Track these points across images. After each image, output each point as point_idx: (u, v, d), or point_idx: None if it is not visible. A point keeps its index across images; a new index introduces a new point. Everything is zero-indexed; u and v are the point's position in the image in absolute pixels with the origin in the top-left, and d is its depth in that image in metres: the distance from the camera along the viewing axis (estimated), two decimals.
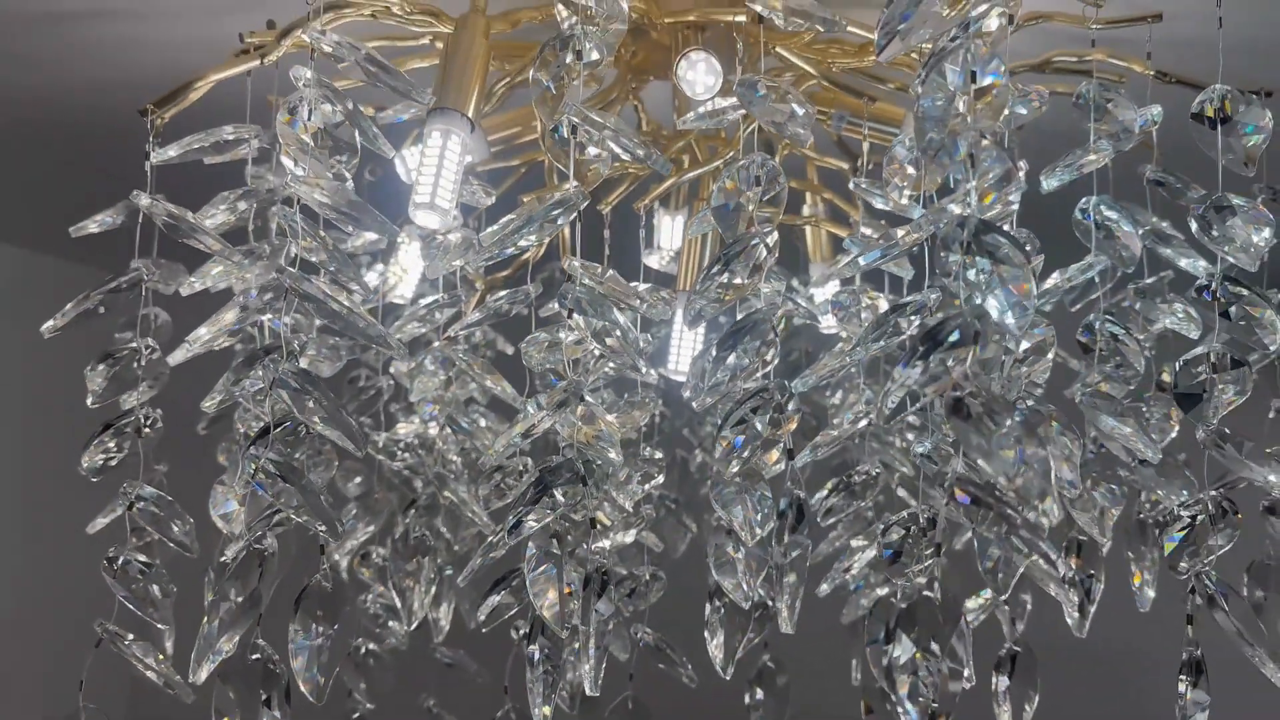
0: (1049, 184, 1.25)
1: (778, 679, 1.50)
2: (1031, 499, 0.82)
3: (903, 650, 0.86)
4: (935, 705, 0.91)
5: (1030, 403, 0.90)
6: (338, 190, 1.01)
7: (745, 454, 0.98)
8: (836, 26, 1.10)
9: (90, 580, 1.31)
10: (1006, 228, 0.92)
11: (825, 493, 1.35)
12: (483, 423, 1.60)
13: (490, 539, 1.11)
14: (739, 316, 1.04)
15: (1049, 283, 1.21)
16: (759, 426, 0.97)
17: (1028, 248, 1.08)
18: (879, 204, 1.23)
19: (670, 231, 1.80)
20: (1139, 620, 1.37)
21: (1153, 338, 1.27)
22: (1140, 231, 1.27)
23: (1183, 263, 1.24)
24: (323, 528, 1.04)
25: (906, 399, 0.83)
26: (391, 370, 1.67)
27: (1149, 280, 1.31)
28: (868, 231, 1.36)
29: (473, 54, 1.26)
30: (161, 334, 1.35)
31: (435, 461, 1.48)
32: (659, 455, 1.45)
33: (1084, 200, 1.27)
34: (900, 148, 1.10)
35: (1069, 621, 1.30)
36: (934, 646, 0.86)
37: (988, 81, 0.85)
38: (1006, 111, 0.90)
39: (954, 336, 0.80)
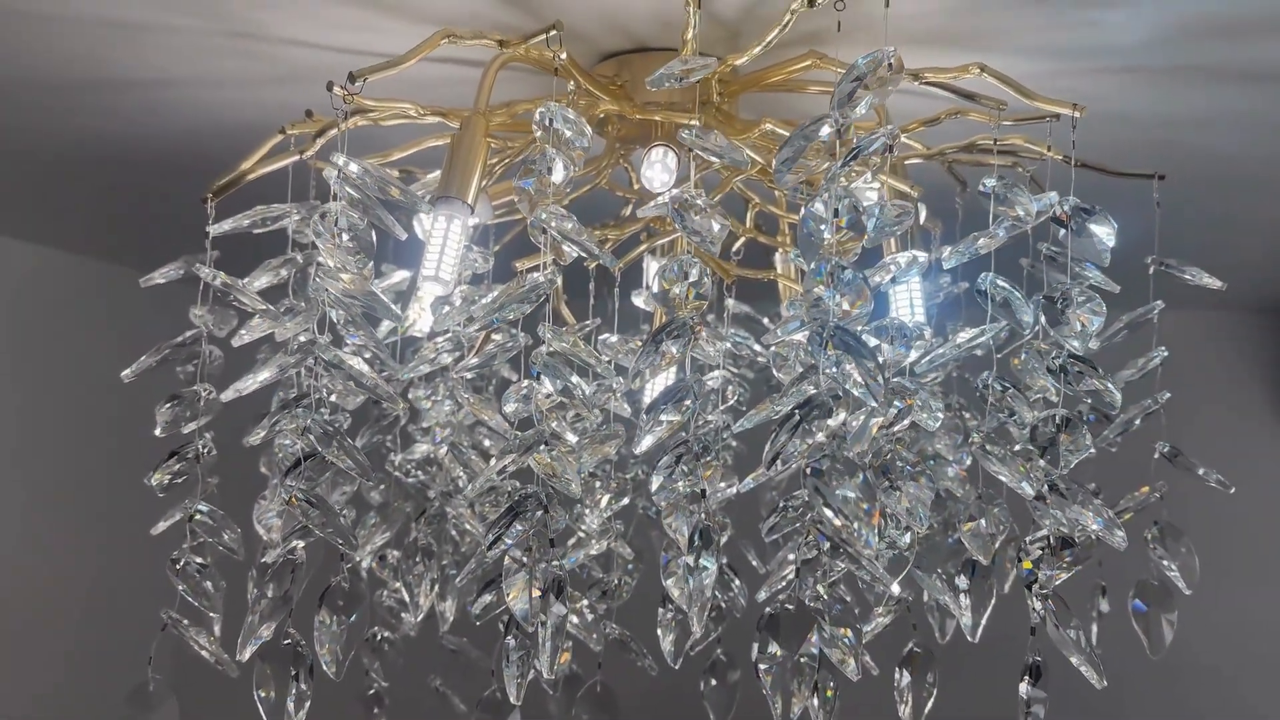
0: (948, 263, 1.50)
1: (729, 673, 1.76)
2: (875, 536, 1.08)
3: (766, 652, 1.13)
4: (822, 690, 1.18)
5: (889, 458, 1.16)
6: (357, 281, 1.29)
7: (667, 497, 1.25)
8: (737, 165, 1.35)
9: (137, 573, 1.60)
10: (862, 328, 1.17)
11: (770, 516, 1.62)
12: (486, 443, 1.88)
13: (482, 547, 1.39)
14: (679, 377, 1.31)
15: (944, 349, 1.47)
16: (679, 474, 1.25)
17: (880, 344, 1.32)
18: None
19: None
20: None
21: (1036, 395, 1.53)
22: (1032, 302, 1.52)
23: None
24: (341, 542, 1.32)
25: (780, 456, 1.09)
26: (410, 397, 1.95)
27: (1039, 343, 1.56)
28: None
29: (474, 149, 1.53)
30: (215, 369, 1.64)
31: (443, 479, 1.76)
32: (628, 476, 1.72)
33: (980, 277, 1.52)
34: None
35: (964, 627, 1.57)
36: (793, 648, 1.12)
37: (847, 218, 1.11)
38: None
39: (815, 411, 1.07)
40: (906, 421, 1.24)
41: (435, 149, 1.72)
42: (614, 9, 1.64)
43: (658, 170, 1.48)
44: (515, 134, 1.72)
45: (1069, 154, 1.61)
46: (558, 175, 1.30)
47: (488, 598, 1.56)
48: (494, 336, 1.55)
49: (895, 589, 1.19)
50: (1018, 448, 1.47)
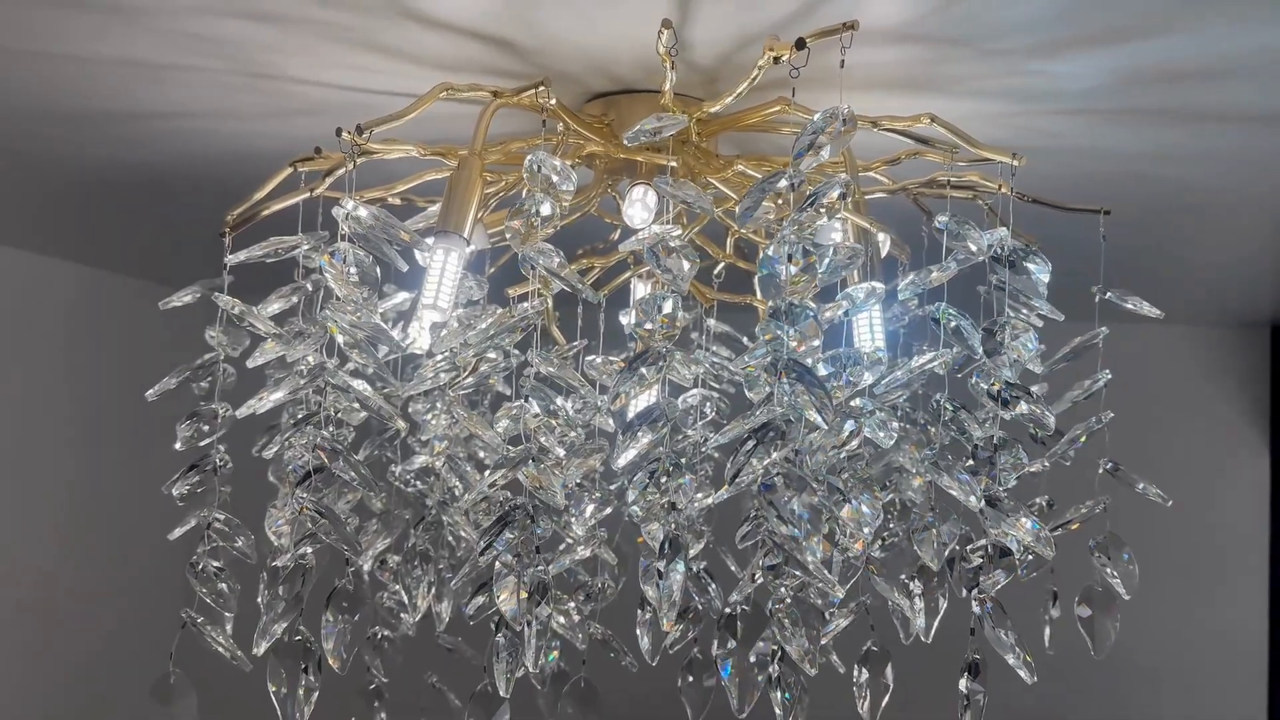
0: (903, 294, 1.64)
1: (704, 672, 1.89)
2: (819, 546, 1.22)
3: (725, 648, 1.27)
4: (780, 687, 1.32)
5: (841, 474, 1.30)
6: (364, 313, 1.43)
7: (642, 507, 1.39)
8: (706, 212, 1.49)
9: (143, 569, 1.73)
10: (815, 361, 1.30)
11: (743, 524, 1.76)
12: (481, 454, 2.01)
13: (475, 553, 1.53)
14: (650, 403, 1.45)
15: (900, 372, 1.60)
16: (651, 488, 1.38)
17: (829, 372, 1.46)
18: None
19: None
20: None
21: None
22: (980, 329, 1.66)
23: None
24: (346, 548, 1.45)
25: (739, 473, 1.23)
26: (410, 411, 2.08)
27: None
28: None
29: (470, 187, 1.66)
30: (229, 385, 1.78)
31: (440, 489, 1.90)
32: (612, 487, 1.85)
33: (934, 306, 1.66)
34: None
35: (917, 629, 1.70)
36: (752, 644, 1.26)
37: (802, 264, 1.25)
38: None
39: (771, 434, 1.20)
40: (857, 441, 1.38)
41: (435, 181, 1.87)
42: (601, 55, 1.78)
43: (638, 209, 1.62)
44: (511, 167, 1.86)
45: (1022, 191, 1.75)
46: (544, 215, 1.43)
47: (480, 599, 1.70)
48: (489, 355, 1.68)
49: (839, 593, 1.32)
50: (970, 463, 1.61)
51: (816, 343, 1.28)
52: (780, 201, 1.30)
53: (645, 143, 1.80)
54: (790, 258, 1.24)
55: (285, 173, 1.84)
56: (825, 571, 1.24)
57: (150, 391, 1.64)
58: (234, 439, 1.72)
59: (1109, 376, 1.81)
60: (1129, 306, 1.80)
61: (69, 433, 3.40)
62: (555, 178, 1.45)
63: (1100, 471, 1.84)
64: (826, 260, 1.28)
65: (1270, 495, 3.84)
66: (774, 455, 1.21)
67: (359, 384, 1.47)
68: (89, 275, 3.46)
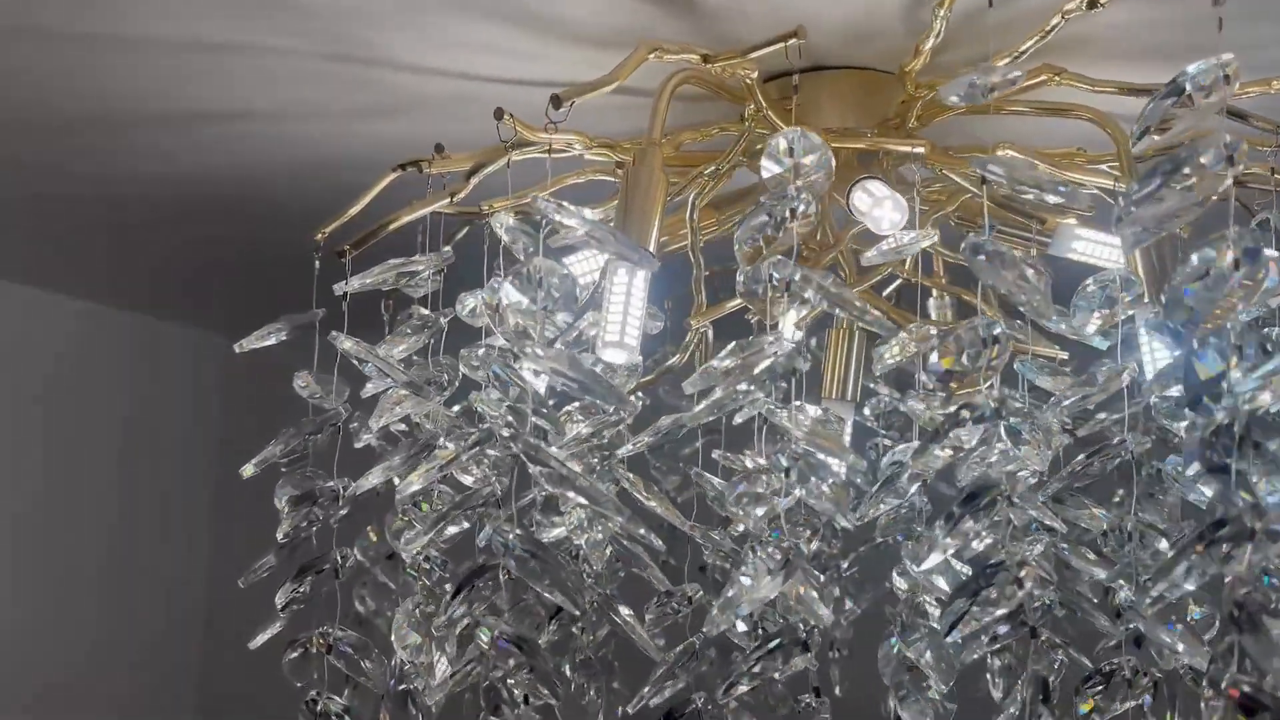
0: None
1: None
2: None
3: None
4: None
5: None
6: (570, 360, 1.02)
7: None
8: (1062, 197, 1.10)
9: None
10: None
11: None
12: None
13: None
14: None
15: None
16: None
17: None
18: None
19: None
20: None
21: None
22: None
23: None
24: (543, 687, 1.04)
25: None
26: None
27: None
28: None
29: (652, 187, 1.27)
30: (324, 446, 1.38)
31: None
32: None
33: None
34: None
35: None
36: None
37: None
38: None
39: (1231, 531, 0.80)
40: None
41: (573, 188, 1.47)
42: (796, 21, 1.39)
43: (888, 209, 1.22)
44: (679, 168, 1.47)
45: None
46: (803, 213, 1.04)
47: None
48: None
49: None
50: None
51: None
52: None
53: (839, 127, 1.42)
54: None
55: (388, 177, 1.45)
56: None
57: (247, 467, 1.23)
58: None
59: None
60: None
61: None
62: (809, 160, 1.06)
63: None
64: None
65: None
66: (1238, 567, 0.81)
67: (562, 460, 1.05)
68: (130, 321, 3.06)
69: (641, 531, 1.45)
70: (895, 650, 1.26)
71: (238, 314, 2.26)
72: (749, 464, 1.54)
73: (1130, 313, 1.21)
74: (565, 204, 1.03)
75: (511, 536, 1.03)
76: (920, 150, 1.28)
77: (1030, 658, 1.14)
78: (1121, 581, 1.17)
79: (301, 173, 1.90)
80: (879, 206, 1.22)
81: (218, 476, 3.28)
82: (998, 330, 0.99)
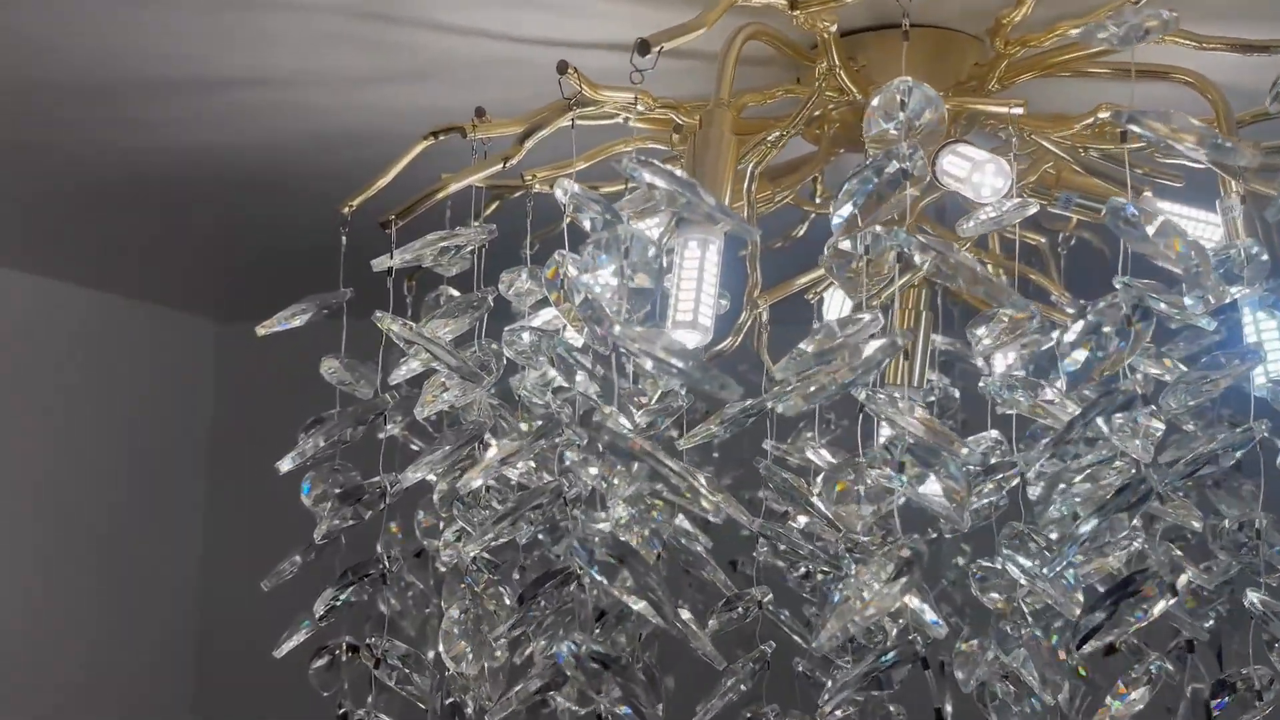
0: None
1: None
2: None
3: None
4: None
5: None
6: (667, 341, 0.89)
7: None
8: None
9: None
10: None
11: None
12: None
13: None
14: None
15: None
16: None
17: None
18: None
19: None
20: None
21: None
22: None
23: None
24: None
25: None
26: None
27: None
28: None
29: (723, 152, 1.16)
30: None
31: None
32: None
33: None
34: None
35: None
36: None
37: None
38: None
39: None
40: None
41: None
42: None
43: (989, 174, 1.10)
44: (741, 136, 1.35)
45: None
46: (915, 173, 0.92)
47: None
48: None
49: None
50: None
51: None
52: None
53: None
54: None
55: (419, 145, 1.33)
56: None
57: (284, 461, 1.10)
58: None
59: None
60: None
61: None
62: (928, 114, 0.94)
63: None
64: None
65: None
66: None
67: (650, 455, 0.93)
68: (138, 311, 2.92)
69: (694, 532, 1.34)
70: (992, 657, 1.14)
71: (239, 302, 2.12)
72: (821, 457, 1.42)
73: (1244, 291, 1.11)
74: (654, 161, 0.91)
75: (597, 540, 0.91)
76: (1019, 110, 1.17)
77: (1186, 676, 1.03)
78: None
79: (310, 147, 1.77)
80: (979, 171, 1.10)
81: (209, 468, 3.19)
82: (1147, 302, 0.87)
